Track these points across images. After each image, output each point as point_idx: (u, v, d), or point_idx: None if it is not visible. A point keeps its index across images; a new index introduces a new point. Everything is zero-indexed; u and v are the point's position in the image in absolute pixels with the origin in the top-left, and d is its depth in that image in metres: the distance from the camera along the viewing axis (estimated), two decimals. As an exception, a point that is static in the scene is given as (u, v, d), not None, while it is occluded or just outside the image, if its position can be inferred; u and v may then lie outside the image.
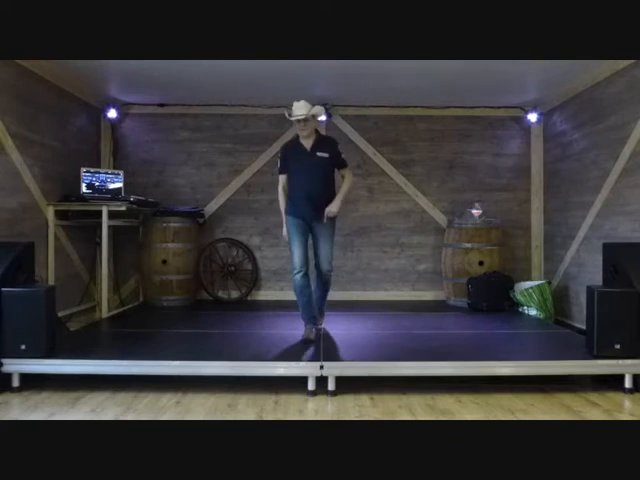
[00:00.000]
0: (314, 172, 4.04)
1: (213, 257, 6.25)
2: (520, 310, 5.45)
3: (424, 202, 6.34)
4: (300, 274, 4.05)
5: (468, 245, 5.69)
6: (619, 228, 4.55)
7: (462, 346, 4.02)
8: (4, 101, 4.23)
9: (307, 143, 4.07)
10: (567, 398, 3.28)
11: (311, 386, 3.32)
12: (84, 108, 5.74)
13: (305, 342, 3.95)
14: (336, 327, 4.58)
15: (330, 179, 4.14)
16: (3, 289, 3.35)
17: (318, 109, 4.05)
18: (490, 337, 4.31)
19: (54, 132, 5.07)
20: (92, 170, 5.44)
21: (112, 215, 5.16)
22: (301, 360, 3.44)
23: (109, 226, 5.15)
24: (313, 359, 3.43)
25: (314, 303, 4.19)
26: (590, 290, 3.50)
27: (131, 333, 4.40)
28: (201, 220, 6.20)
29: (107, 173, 5.57)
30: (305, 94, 5.72)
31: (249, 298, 6.24)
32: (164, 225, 5.72)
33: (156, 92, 5.76)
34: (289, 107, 4.02)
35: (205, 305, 5.91)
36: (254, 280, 6.25)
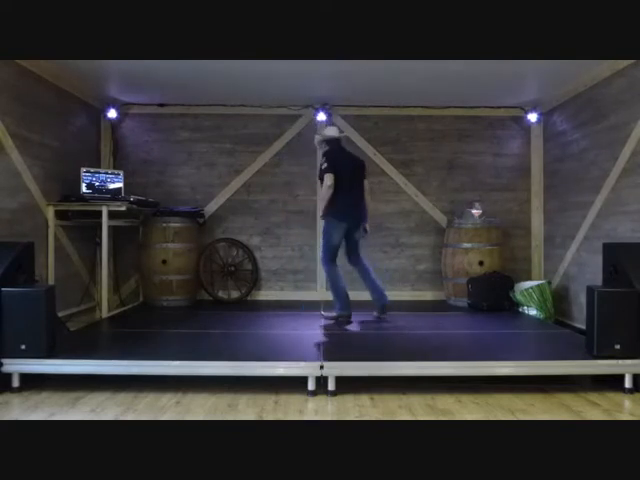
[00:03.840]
0: None
1: (213, 257, 6.25)
2: (520, 310, 5.45)
3: (424, 202, 6.35)
4: None
5: (468, 245, 5.69)
6: (619, 228, 4.55)
7: (462, 346, 4.02)
8: (4, 101, 4.23)
9: None
10: (567, 398, 3.28)
11: (311, 386, 3.32)
12: (84, 108, 5.74)
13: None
14: (336, 327, 4.58)
15: None
16: (3, 289, 3.35)
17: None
18: (490, 337, 4.32)
19: (54, 132, 5.07)
20: (92, 170, 5.44)
21: (112, 215, 5.16)
22: (301, 360, 3.44)
23: (109, 226, 5.15)
24: (313, 359, 3.43)
25: None
26: (590, 290, 3.50)
27: (131, 333, 4.40)
28: (201, 220, 6.20)
29: (107, 173, 5.57)
30: (305, 94, 5.78)
31: (249, 298, 6.24)
32: (164, 225, 5.72)
33: (156, 92, 5.76)
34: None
35: (205, 305, 5.91)
36: (254, 280, 6.25)
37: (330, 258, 4.75)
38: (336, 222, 4.66)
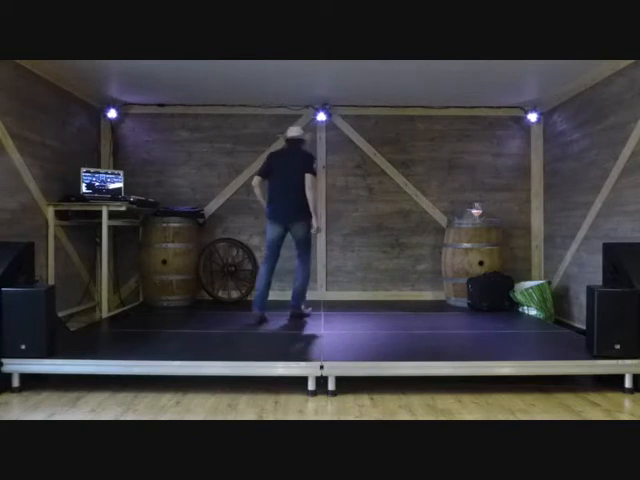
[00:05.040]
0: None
1: (213, 257, 6.25)
2: (520, 310, 5.45)
3: (424, 202, 6.34)
4: None
5: (468, 245, 5.69)
6: (619, 228, 4.55)
7: (462, 346, 4.02)
8: (4, 101, 4.23)
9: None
10: (567, 398, 3.28)
11: (311, 386, 3.32)
12: (84, 108, 5.74)
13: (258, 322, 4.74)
14: (336, 327, 4.58)
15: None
16: (3, 289, 3.35)
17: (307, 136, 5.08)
18: (490, 337, 4.31)
19: (54, 132, 5.07)
20: (92, 170, 5.44)
21: (112, 215, 5.16)
22: (301, 360, 3.44)
23: (109, 226, 5.15)
24: (313, 359, 3.43)
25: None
26: (590, 290, 3.50)
27: (131, 333, 4.41)
28: (201, 220, 6.19)
29: (107, 173, 5.57)
30: (305, 94, 5.78)
31: (249, 298, 6.23)
32: (164, 225, 5.72)
33: (156, 92, 5.76)
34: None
35: (205, 305, 5.91)
36: (254, 280, 6.24)
37: (265, 255, 4.93)
38: (268, 221, 4.82)
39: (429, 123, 6.35)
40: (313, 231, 4.85)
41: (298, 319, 4.91)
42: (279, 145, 6.24)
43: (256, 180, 4.87)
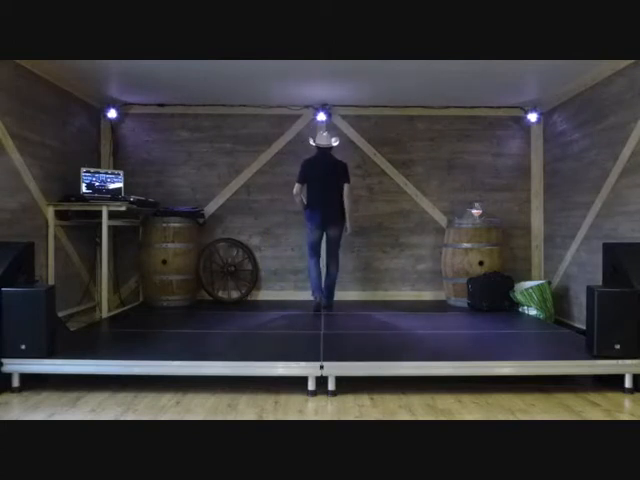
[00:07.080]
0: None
1: (213, 257, 6.25)
2: (520, 310, 5.45)
3: (424, 202, 6.35)
4: None
5: (468, 245, 5.69)
6: (619, 228, 4.55)
7: (462, 346, 4.02)
8: (4, 101, 4.23)
9: None
10: (567, 398, 3.28)
11: (311, 386, 3.32)
12: (84, 108, 5.74)
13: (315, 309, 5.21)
14: (336, 327, 4.58)
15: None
16: (3, 289, 3.35)
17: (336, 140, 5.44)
18: (490, 337, 4.32)
19: (54, 132, 5.07)
20: (92, 170, 5.44)
21: (112, 215, 5.16)
22: (301, 360, 3.44)
23: (109, 226, 5.15)
24: (313, 359, 3.43)
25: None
26: (590, 290, 3.50)
27: (131, 333, 4.41)
28: (201, 220, 6.20)
29: (107, 173, 5.57)
30: (305, 94, 5.78)
31: (249, 298, 6.24)
32: (164, 225, 5.72)
33: (156, 92, 5.76)
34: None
35: (205, 305, 5.91)
36: (254, 280, 6.25)
37: (308, 253, 5.40)
38: (309, 225, 5.31)
39: (429, 123, 6.35)
40: (347, 233, 5.35)
41: (328, 310, 5.32)
42: (281, 144, 6.27)
43: (297, 188, 5.27)
